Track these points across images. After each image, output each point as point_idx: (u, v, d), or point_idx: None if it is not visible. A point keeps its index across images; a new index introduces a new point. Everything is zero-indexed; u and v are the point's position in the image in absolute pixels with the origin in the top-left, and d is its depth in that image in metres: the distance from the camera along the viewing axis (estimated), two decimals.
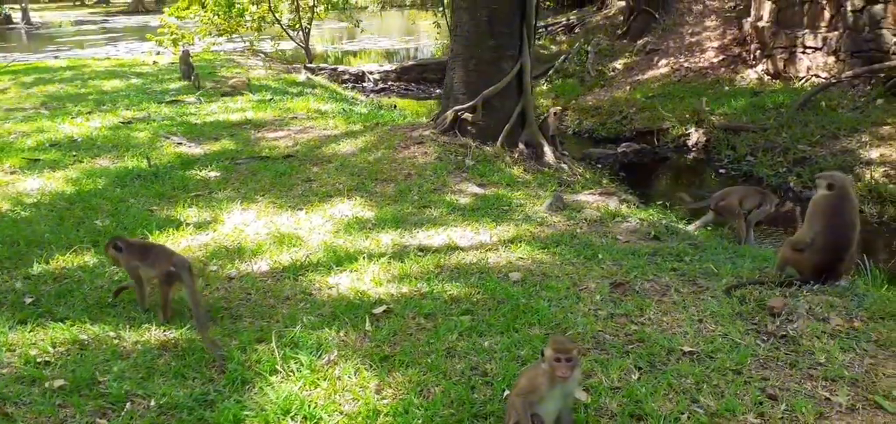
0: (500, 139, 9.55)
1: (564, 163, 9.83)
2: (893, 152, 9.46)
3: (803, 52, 13.34)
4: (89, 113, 12.61)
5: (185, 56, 16.10)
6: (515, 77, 9.86)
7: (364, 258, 5.35)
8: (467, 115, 9.71)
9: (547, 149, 9.76)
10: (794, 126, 10.96)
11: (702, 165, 11.45)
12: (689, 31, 17.58)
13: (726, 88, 14.07)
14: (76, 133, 10.67)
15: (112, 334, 4.20)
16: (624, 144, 12.85)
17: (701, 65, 15.81)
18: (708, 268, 5.30)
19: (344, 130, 10.67)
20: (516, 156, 9.34)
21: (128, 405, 3.47)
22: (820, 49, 13.00)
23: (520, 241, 5.88)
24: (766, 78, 14.09)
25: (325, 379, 3.63)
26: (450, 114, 9.88)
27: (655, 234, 6.30)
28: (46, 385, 3.62)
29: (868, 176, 8.98)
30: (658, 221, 6.82)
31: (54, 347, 4.06)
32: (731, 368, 3.71)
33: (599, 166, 11.35)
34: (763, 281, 4.92)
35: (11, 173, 8.28)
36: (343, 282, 4.97)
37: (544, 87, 18.17)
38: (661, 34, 18.24)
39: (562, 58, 19.45)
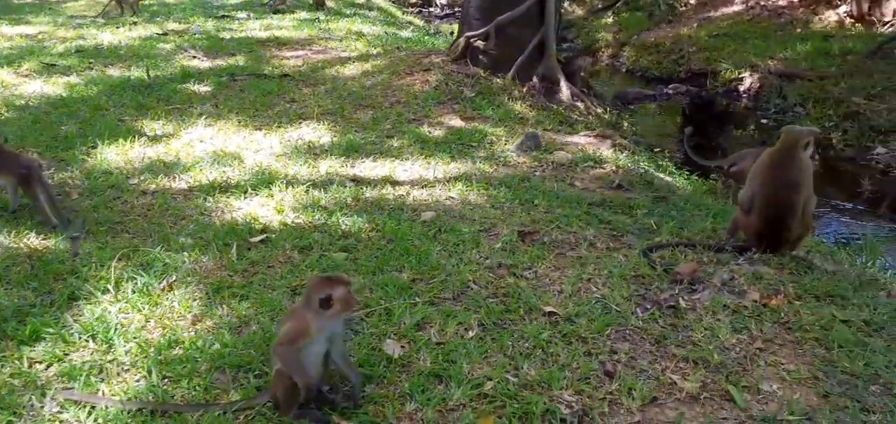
0: (512, 70, 8.99)
1: (581, 101, 9.19)
2: None
3: None
4: (134, 24, 12.92)
5: None
6: (536, 4, 9.23)
7: (282, 183, 5.14)
8: (480, 43, 9.20)
9: (563, 85, 9.14)
10: (856, 76, 9.77)
11: (746, 114, 10.44)
12: None
13: (798, 30, 12.72)
14: (110, 41, 10.95)
15: None
16: (671, 86, 11.99)
17: (778, 3, 14.36)
18: (649, 225, 4.76)
19: (361, 53, 10.41)
20: (526, 90, 8.78)
21: None
22: None
23: (464, 179, 5.50)
24: (849, 21, 12.62)
25: (150, 304, 3.49)
26: (462, 40, 9.39)
27: (620, 183, 5.73)
28: None
29: None
30: (636, 170, 6.21)
31: None
32: (583, 335, 3.28)
33: (631, 107, 10.58)
34: (692, 244, 4.36)
35: (25, 76, 8.56)
36: (246, 207, 4.80)
37: (609, 20, 17.17)
38: None
39: None
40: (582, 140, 7.22)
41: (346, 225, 4.48)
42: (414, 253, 4.07)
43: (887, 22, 11.69)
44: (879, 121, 8.44)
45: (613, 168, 6.21)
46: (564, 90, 9.11)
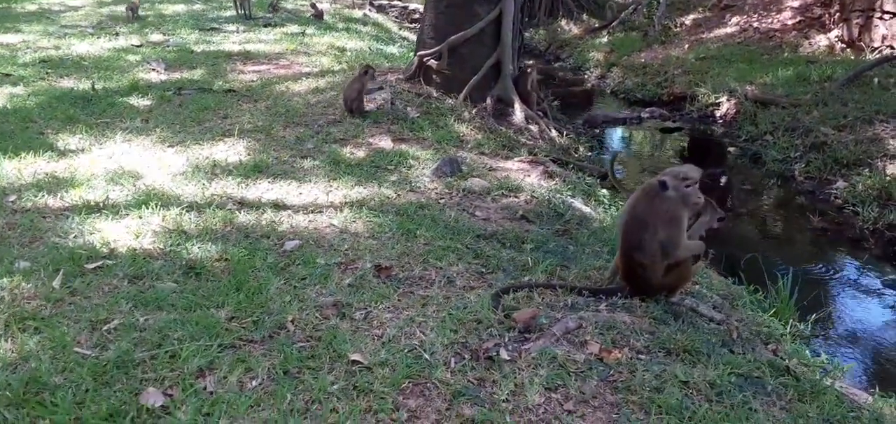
0: (464, 92, 8.77)
1: (536, 123, 8.91)
2: None
3: (881, 18, 11.32)
4: (116, 35, 12.98)
5: None
6: (492, 24, 9.00)
7: (157, 205, 4.97)
8: (433, 62, 8.99)
9: (517, 107, 8.89)
10: (831, 104, 9.31)
11: (715, 140, 10.04)
12: None
13: (786, 54, 12.25)
14: (80, 52, 10.99)
15: None
16: (648, 110, 11.61)
17: (772, 26, 13.88)
18: (524, 262, 4.48)
19: (324, 69, 10.27)
20: (475, 112, 8.52)
21: None
22: None
23: (356, 206, 5.27)
24: (839, 45, 12.12)
25: None
26: (416, 60, 9.20)
27: (524, 215, 5.46)
28: None
29: (884, 171, 7.42)
30: (554, 199, 5.92)
31: None
32: (375, 389, 3.02)
33: (596, 131, 10.25)
34: (553, 286, 4.07)
35: None
36: (108, 229, 4.62)
37: (604, 40, 16.82)
38: None
39: (630, 8, 17.86)
40: (513, 166, 6.96)
41: (196, 253, 4.27)
42: (246, 288, 3.84)
43: (876, 47, 11.18)
44: (844, 153, 7.98)
45: (528, 197, 5.94)
46: (518, 112, 8.84)
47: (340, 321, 3.58)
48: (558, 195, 6.14)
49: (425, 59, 9.03)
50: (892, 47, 10.86)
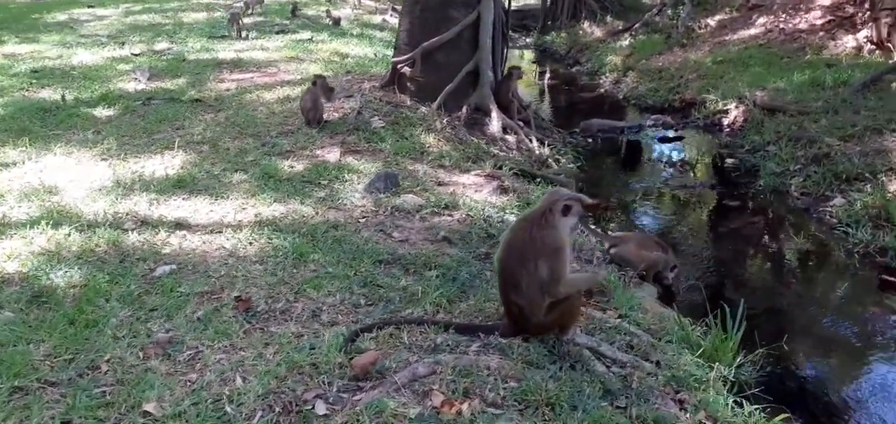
0: (438, 100, 8.35)
1: (514, 133, 8.42)
2: None
3: None
4: (123, 44, 13.04)
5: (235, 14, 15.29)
6: (469, 29, 8.57)
7: (47, 224, 4.73)
8: (406, 69, 8.60)
9: (494, 117, 8.41)
10: (842, 111, 8.51)
11: (715, 150, 9.33)
12: None
13: (808, 57, 11.38)
14: (78, 61, 11.02)
15: None
16: (653, 117, 10.92)
17: (799, 26, 12.95)
18: (415, 292, 4.05)
19: (304, 77, 9.98)
20: (447, 121, 8.09)
21: None
22: None
23: (260, 226, 4.93)
24: (868, 47, 11.18)
25: None
26: (391, 67, 8.84)
27: (446, 236, 5.02)
28: None
29: (887, 188, 6.65)
30: (490, 218, 5.46)
31: None
32: None
33: (591, 142, 9.65)
34: (422, 321, 3.63)
35: None
36: None
37: (625, 43, 16.09)
38: None
39: (654, 10, 17.08)
40: (467, 180, 6.52)
41: (55, 279, 4.00)
42: (80, 321, 3.54)
43: None
44: (847, 166, 7.19)
45: (463, 216, 5.50)
46: (495, 122, 8.36)
47: (161, 362, 3.23)
48: (500, 213, 5.67)
49: (399, 66, 8.66)
50: None
